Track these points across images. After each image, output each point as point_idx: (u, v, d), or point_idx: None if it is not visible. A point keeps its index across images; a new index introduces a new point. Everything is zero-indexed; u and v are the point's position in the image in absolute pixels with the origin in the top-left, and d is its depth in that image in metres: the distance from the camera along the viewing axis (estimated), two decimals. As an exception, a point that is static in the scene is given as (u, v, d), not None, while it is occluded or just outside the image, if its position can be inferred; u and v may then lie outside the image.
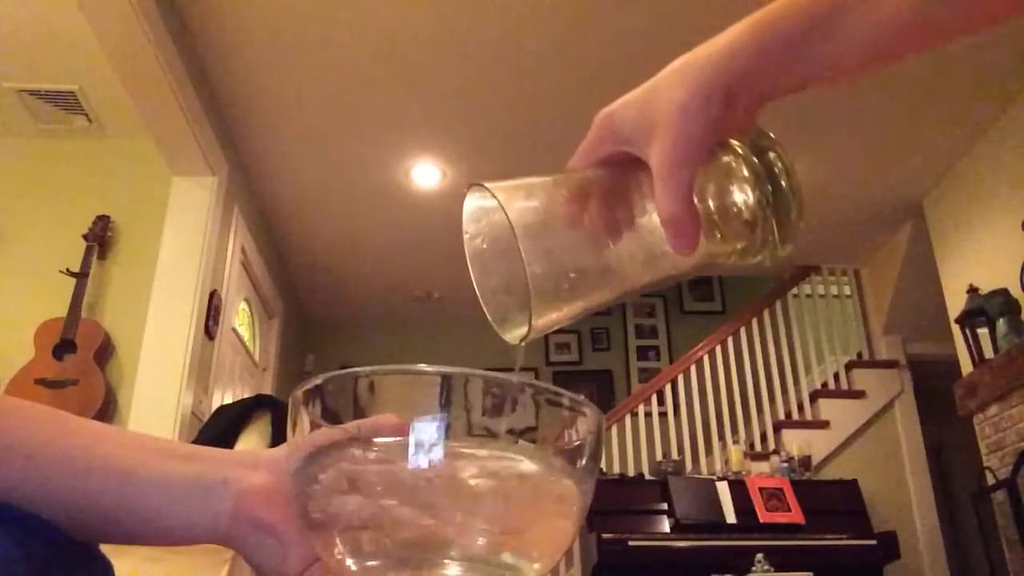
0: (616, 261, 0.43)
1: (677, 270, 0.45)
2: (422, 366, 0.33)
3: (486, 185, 0.41)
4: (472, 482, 0.33)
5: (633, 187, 0.43)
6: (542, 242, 0.40)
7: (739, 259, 0.45)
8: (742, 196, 0.43)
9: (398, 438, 0.32)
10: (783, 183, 0.43)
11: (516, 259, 0.39)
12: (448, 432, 0.32)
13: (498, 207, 0.40)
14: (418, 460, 0.32)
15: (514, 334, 0.43)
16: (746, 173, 0.43)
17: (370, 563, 0.33)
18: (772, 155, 0.43)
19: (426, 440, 0.32)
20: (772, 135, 0.44)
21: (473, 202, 0.44)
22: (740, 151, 0.44)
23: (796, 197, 0.43)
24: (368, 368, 0.34)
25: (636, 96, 0.43)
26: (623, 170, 0.44)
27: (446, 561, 0.33)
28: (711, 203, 0.43)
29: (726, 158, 0.44)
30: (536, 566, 0.34)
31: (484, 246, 0.45)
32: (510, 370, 0.34)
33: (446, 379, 0.33)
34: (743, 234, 0.44)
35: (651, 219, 0.42)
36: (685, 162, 0.41)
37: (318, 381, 0.35)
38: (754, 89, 0.41)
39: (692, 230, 0.41)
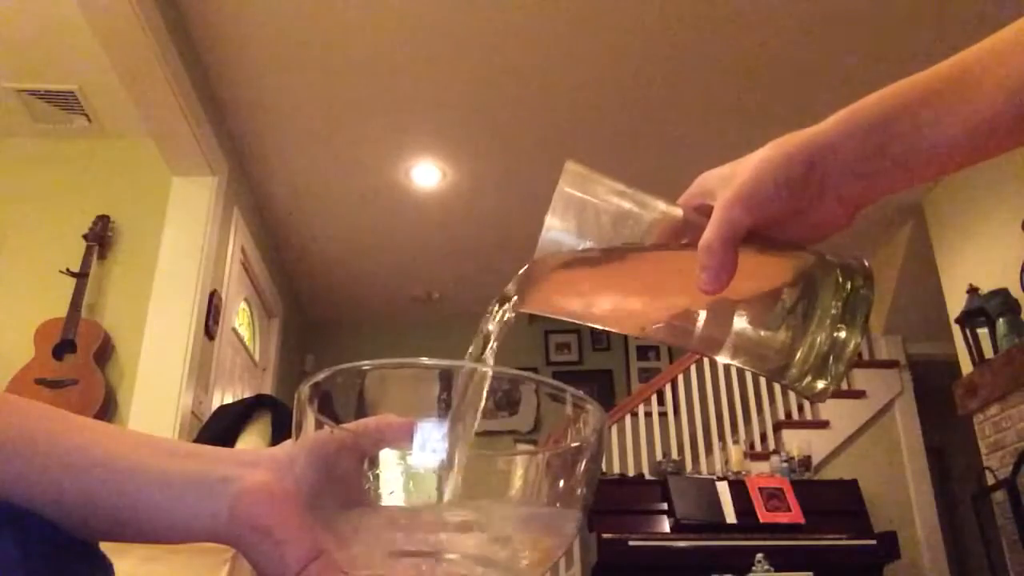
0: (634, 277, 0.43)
1: (680, 319, 0.43)
2: (427, 360, 0.33)
3: (568, 165, 0.42)
4: (461, 517, 0.33)
5: (689, 228, 0.43)
6: (579, 209, 0.41)
7: (762, 359, 0.43)
8: (813, 301, 0.42)
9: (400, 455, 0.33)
10: (858, 322, 0.41)
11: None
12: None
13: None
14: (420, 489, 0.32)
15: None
16: (827, 277, 0.42)
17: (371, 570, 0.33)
18: (863, 290, 0.42)
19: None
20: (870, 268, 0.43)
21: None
22: (838, 268, 0.43)
23: (855, 347, 0.41)
24: (374, 362, 0.34)
25: (733, 161, 0.45)
26: (699, 218, 0.44)
27: (449, 556, 0.33)
28: (769, 287, 0.43)
29: (816, 261, 0.43)
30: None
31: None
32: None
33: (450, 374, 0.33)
34: (793, 330, 0.42)
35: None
36: (744, 202, 0.41)
37: (325, 375, 0.34)
38: (838, 168, 0.42)
39: (720, 266, 0.40)
